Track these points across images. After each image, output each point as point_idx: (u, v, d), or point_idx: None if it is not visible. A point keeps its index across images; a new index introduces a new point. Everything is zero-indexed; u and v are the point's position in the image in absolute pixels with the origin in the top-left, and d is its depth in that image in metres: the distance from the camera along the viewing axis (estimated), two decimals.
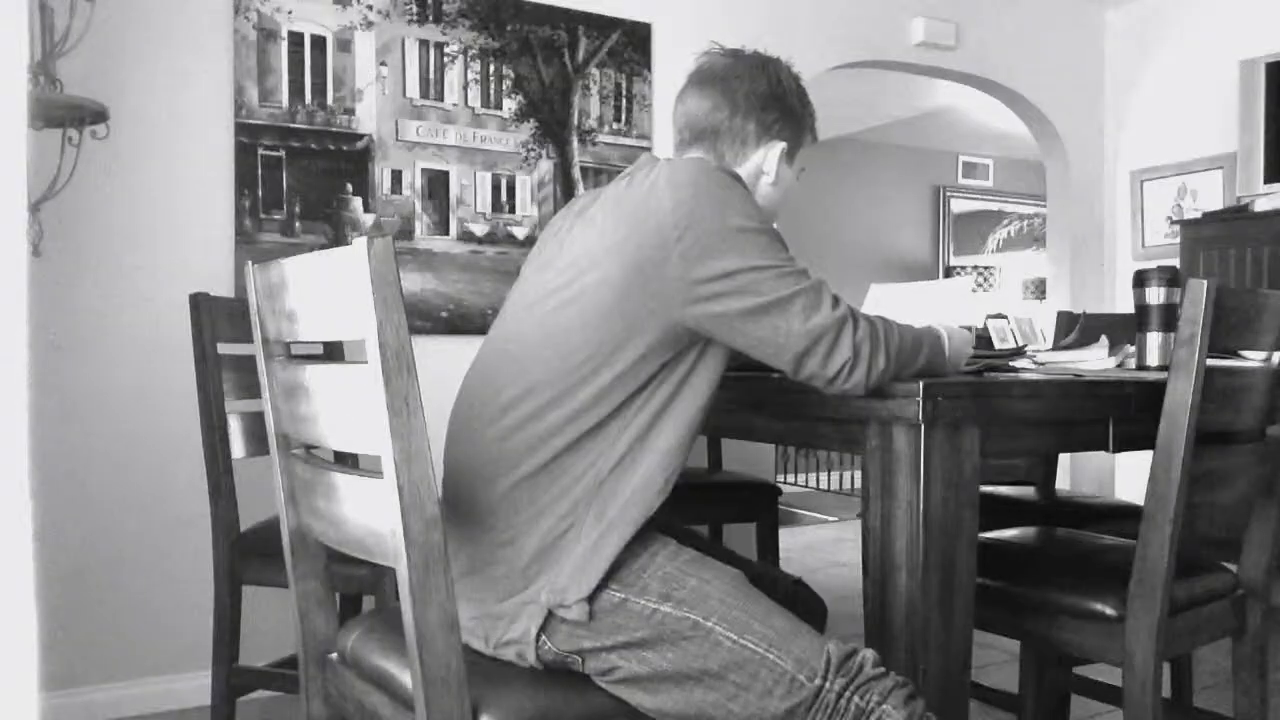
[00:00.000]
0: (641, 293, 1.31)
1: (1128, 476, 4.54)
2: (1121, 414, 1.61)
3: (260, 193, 2.98)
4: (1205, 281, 1.48)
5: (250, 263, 1.44)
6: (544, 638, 1.30)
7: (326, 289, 1.23)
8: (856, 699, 1.27)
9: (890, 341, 1.38)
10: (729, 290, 1.31)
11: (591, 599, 1.29)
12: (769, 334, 1.32)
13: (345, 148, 3.11)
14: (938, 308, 1.97)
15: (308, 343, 1.37)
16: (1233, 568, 1.82)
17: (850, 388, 1.36)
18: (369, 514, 1.21)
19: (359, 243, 1.11)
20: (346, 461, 2.29)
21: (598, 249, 1.35)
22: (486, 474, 1.36)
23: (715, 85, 1.53)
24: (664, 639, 1.28)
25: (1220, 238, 4.00)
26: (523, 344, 1.38)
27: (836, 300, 1.36)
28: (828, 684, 1.27)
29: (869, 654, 1.32)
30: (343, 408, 1.24)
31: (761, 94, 1.53)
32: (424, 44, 3.24)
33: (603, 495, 1.32)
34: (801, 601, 1.61)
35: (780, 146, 1.55)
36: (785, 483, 7.16)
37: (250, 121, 2.97)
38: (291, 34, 3.03)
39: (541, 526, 1.32)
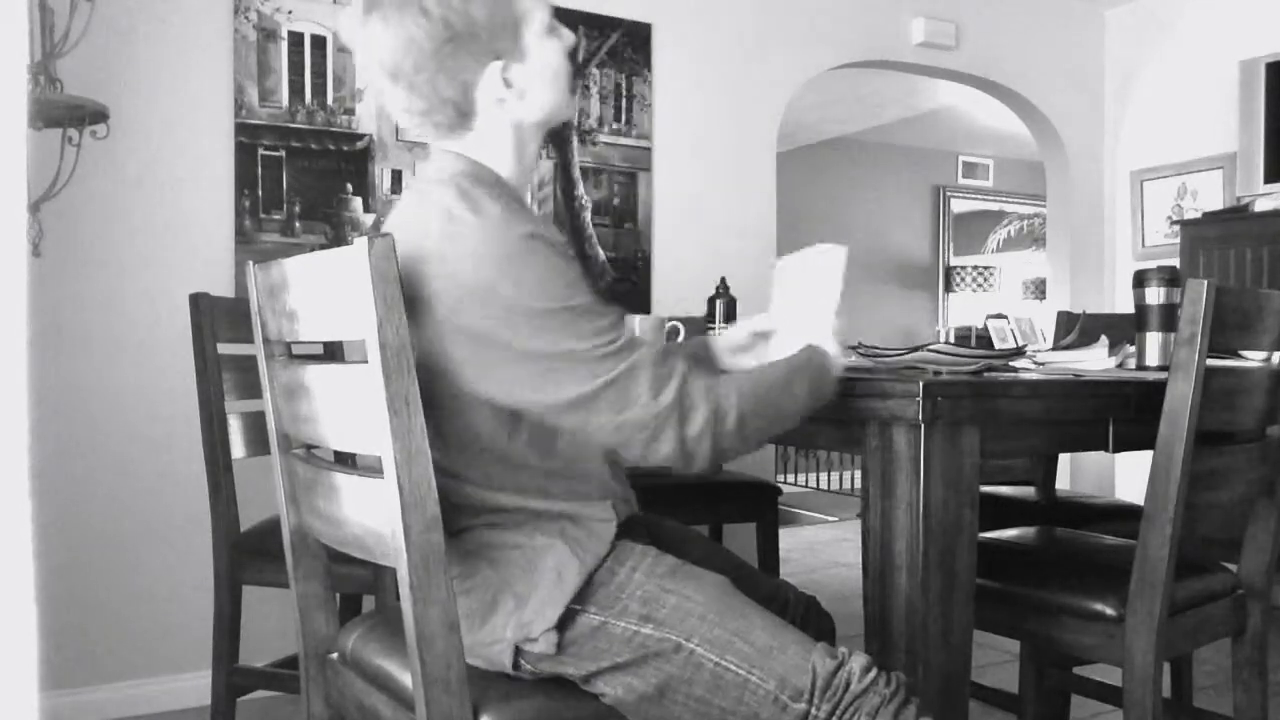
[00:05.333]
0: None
1: (1128, 476, 4.54)
2: (1121, 414, 1.61)
3: (260, 193, 2.98)
4: (1205, 281, 1.48)
5: (251, 262, 1.43)
6: (522, 662, 1.28)
7: (327, 288, 1.23)
8: None
9: (736, 415, 1.26)
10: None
11: (562, 627, 1.26)
12: (578, 427, 1.24)
13: (345, 148, 3.11)
14: (814, 283, 1.77)
15: (308, 342, 1.37)
16: (1233, 568, 1.82)
17: (696, 469, 1.27)
18: (369, 514, 1.21)
19: (360, 242, 1.11)
20: (347, 461, 2.29)
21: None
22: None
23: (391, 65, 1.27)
24: (646, 661, 1.26)
25: (1220, 238, 4.00)
26: None
27: (660, 386, 1.21)
28: (813, 709, 1.22)
29: (856, 664, 1.25)
30: (343, 408, 1.24)
31: (436, 34, 1.24)
32: None
33: (552, 521, 1.31)
34: (811, 624, 1.60)
35: (496, 65, 1.28)
36: (785, 483, 7.15)
37: (250, 121, 2.97)
38: (291, 34, 3.03)
39: (495, 543, 1.31)
